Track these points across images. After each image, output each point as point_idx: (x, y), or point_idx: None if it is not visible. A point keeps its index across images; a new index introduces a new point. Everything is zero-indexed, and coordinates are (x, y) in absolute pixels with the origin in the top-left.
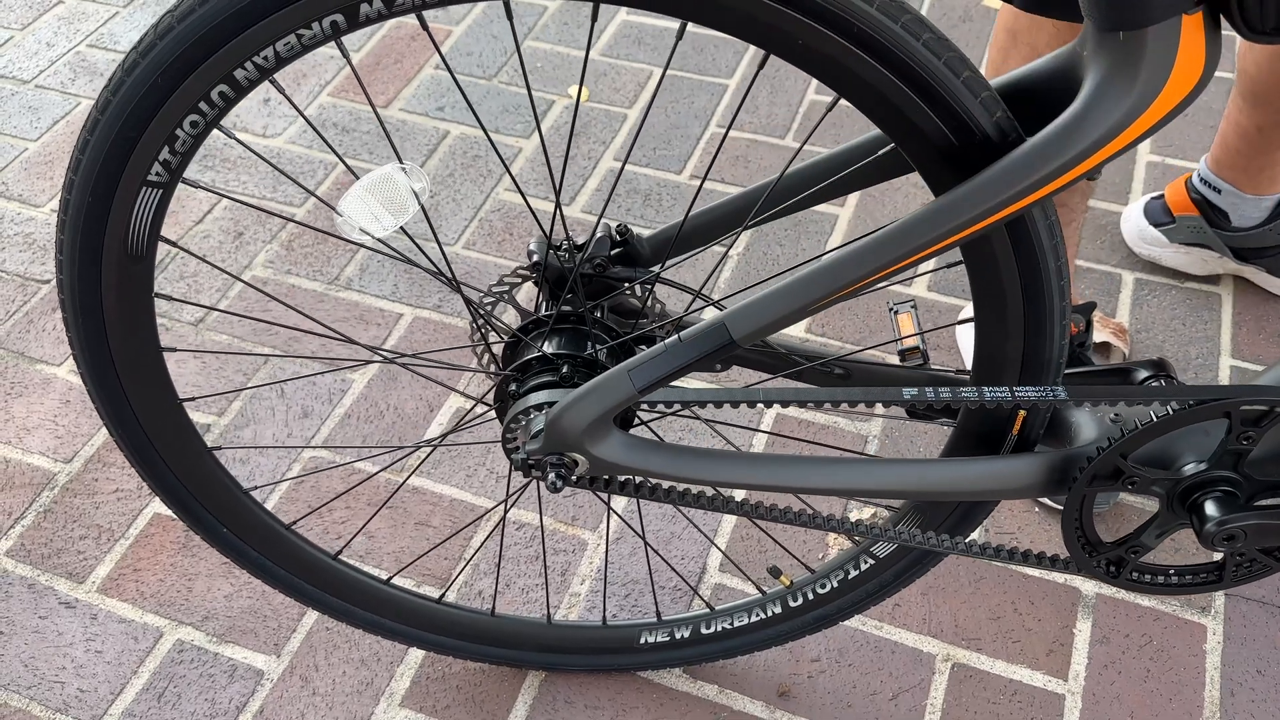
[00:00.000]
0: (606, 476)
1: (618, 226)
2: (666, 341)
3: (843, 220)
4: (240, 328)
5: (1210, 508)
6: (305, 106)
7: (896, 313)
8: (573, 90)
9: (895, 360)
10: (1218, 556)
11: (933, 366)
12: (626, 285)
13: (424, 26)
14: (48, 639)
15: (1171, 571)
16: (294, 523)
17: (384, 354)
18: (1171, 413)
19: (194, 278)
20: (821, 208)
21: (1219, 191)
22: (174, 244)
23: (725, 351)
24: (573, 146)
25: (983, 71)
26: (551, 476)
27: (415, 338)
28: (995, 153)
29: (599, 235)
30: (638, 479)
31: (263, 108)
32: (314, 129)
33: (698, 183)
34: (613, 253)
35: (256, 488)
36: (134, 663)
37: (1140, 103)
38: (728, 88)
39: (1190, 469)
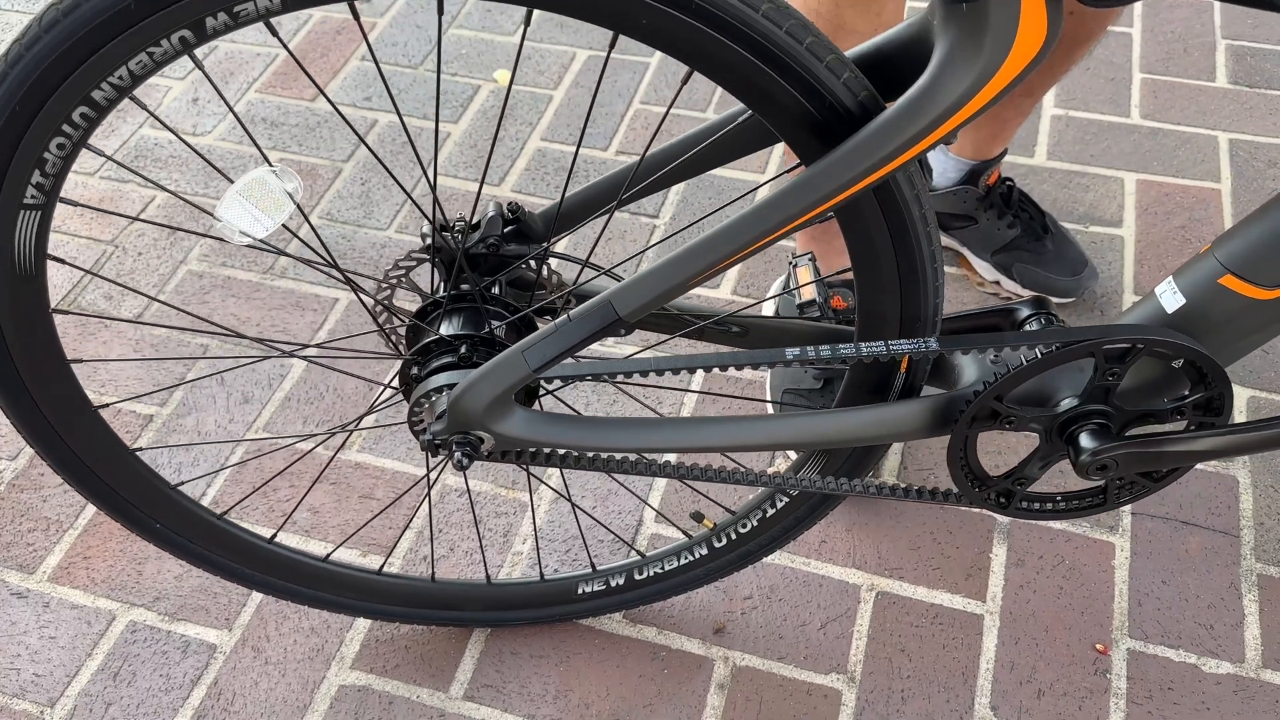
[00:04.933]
0: (516, 450)
1: (509, 205)
2: (557, 321)
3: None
4: (180, 319)
5: (1084, 440)
6: (234, 102)
7: (796, 266)
8: (498, 75)
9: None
10: (1100, 482)
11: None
12: (520, 261)
13: (273, 32)
14: (1, 629)
15: (1059, 498)
16: (225, 512)
17: (282, 348)
18: (1039, 356)
19: (130, 275)
20: (745, 167)
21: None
22: (61, 261)
23: (614, 328)
24: (501, 128)
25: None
26: (458, 455)
27: (352, 321)
28: (856, 122)
29: (490, 214)
30: (547, 450)
31: (191, 106)
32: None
33: (623, 157)
34: (505, 230)
35: (183, 483)
36: (88, 645)
37: (987, 69)
38: (649, 66)
39: (1065, 405)
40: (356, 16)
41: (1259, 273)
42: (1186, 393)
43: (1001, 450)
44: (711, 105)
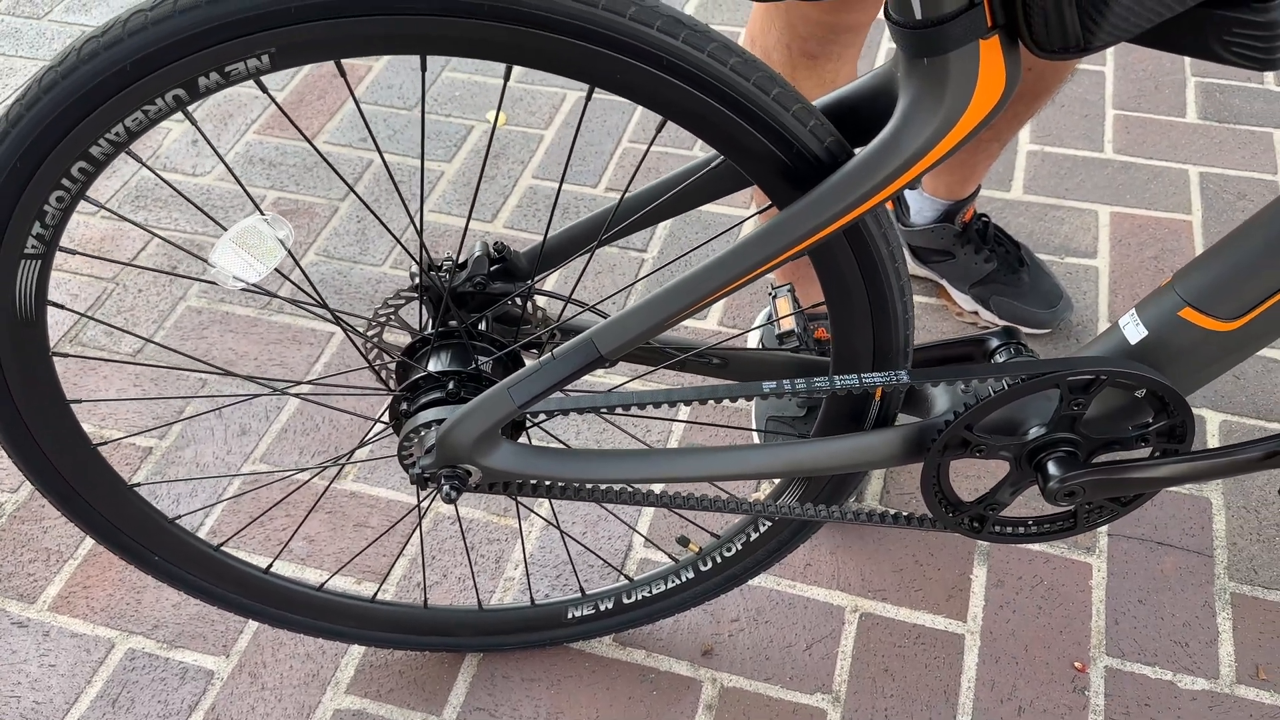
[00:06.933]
0: (504, 482)
1: (495, 244)
2: (542, 359)
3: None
4: (178, 357)
5: (1052, 467)
6: (233, 144)
7: (776, 297)
8: (490, 115)
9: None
10: (1070, 507)
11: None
12: (506, 298)
13: (263, 89)
14: (2, 658)
15: (1030, 522)
16: (222, 544)
17: (274, 385)
18: (1006, 388)
19: (131, 312)
20: (728, 210)
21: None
22: (60, 306)
23: (596, 365)
24: (493, 167)
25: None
26: (446, 488)
27: (348, 355)
28: (825, 167)
29: (477, 254)
30: (533, 481)
31: (191, 148)
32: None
33: (612, 194)
34: (492, 269)
35: (180, 516)
36: (87, 673)
37: (949, 119)
38: (638, 107)
39: (1033, 433)
40: (343, 73)
41: (1216, 305)
42: (1150, 421)
43: (982, 476)
44: (697, 144)
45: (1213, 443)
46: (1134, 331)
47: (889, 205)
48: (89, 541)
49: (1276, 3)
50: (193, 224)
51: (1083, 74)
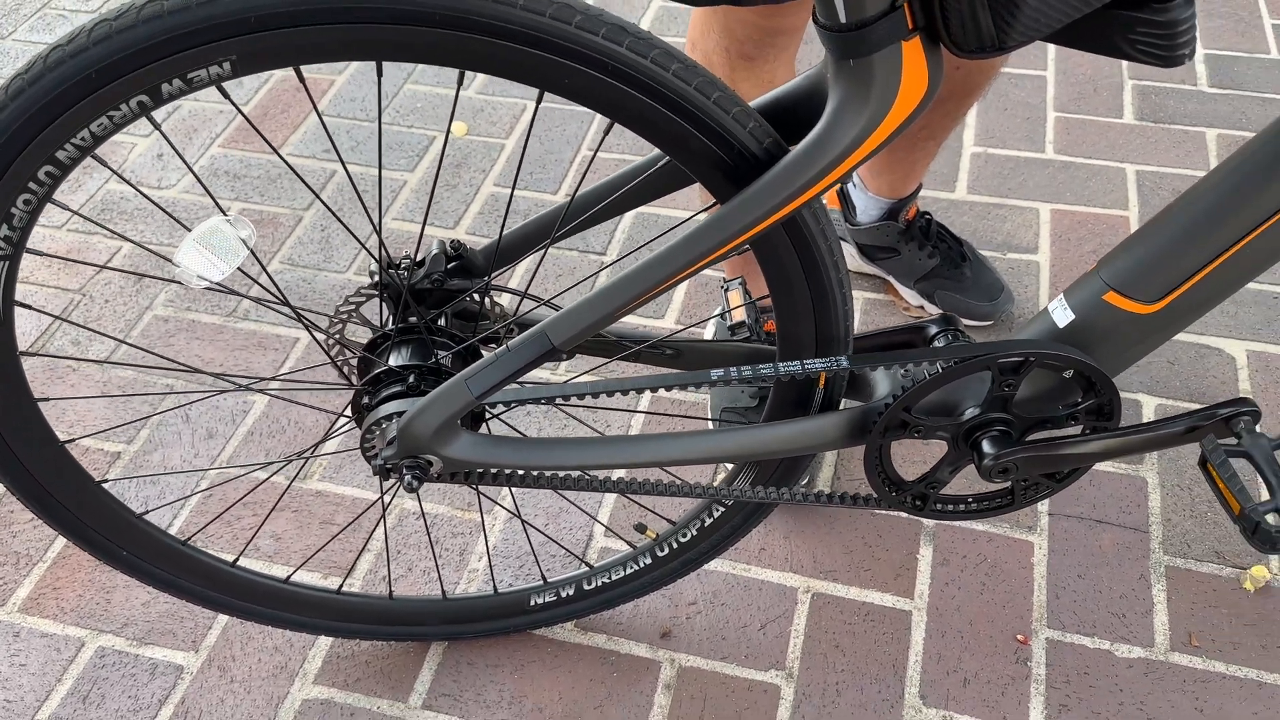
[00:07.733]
0: (465, 471)
1: (451, 242)
2: (497, 352)
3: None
4: (144, 361)
5: (986, 446)
6: (198, 158)
7: (728, 290)
8: (454, 127)
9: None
10: (1007, 484)
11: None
12: (463, 295)
13: (225, 95)
14: None
15: (970, 500)
16: (190, 538)
17: (239, 381)
18: (941, 370)
19: (97, 322)
20: (684, 214)
21: (853, 185)
22: (28, 307)
23: (550, 357)
24: (455, 175)
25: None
26: (408, 478)
27: (312, 358)
28: (763, 165)
29: (434, 252)
30: (493, 470)
31: (156, 161)
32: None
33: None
34: (449, 266)
35: (148, 512)
36: (58, 671)
37: (875, 117)
38: (595, 116)
39: (968, 414)
40: (303, 80)
41: (1138, 289)
42: (1079, 400)
43: (927, 459)
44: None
45: None
46: (1062, 315)
47: (836, 205)
48: (58, 545)
49: (1175, 3)
50: (158, 235)
51: (1024, 78)
